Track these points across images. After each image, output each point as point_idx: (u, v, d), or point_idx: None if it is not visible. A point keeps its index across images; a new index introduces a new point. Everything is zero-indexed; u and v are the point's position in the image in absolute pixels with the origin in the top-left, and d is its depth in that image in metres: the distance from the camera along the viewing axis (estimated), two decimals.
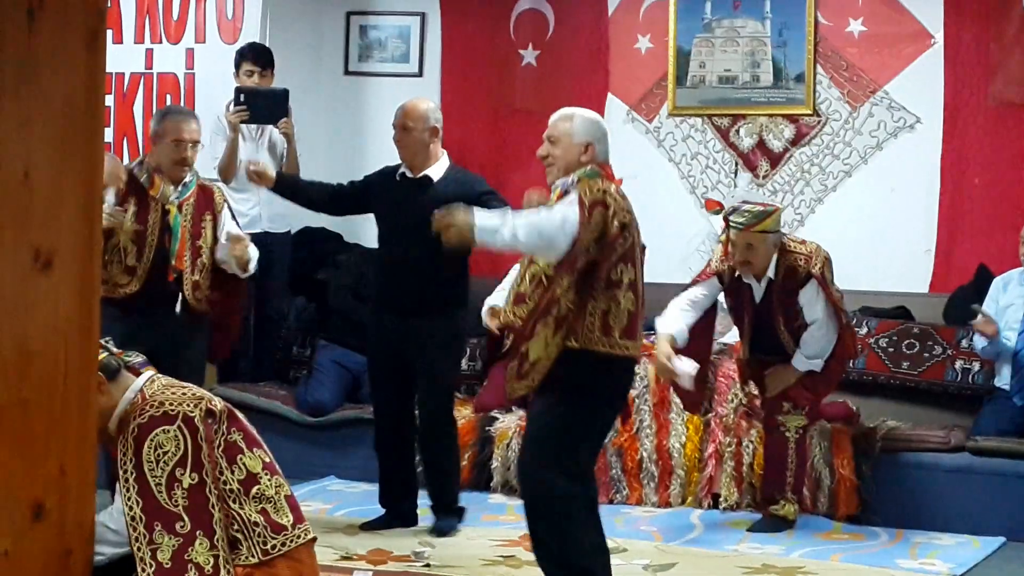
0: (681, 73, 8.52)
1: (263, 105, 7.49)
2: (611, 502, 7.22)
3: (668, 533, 6.71)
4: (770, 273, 6.82)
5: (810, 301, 6.79)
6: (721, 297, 7.09)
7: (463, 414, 7.58)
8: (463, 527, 6.69)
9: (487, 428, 7.51)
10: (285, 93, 7.53)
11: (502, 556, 6.21)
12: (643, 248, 5.34)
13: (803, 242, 6.93)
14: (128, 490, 3.88)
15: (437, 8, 8.99)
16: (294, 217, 8.35)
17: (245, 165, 7.16)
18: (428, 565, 6.02)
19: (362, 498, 7.22)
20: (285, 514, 3.99)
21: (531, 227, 5.04)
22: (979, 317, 7.13)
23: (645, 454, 7.25)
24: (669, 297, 8.07)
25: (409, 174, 6.69)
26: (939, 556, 6.42)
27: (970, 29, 8.02)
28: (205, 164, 7.91)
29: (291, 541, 3.98)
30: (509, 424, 7.48)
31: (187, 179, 6.40)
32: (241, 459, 3.93)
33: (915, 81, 8.14)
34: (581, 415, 5.12)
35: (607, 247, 5.06)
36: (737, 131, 8.48)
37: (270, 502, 3.95)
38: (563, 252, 5.02)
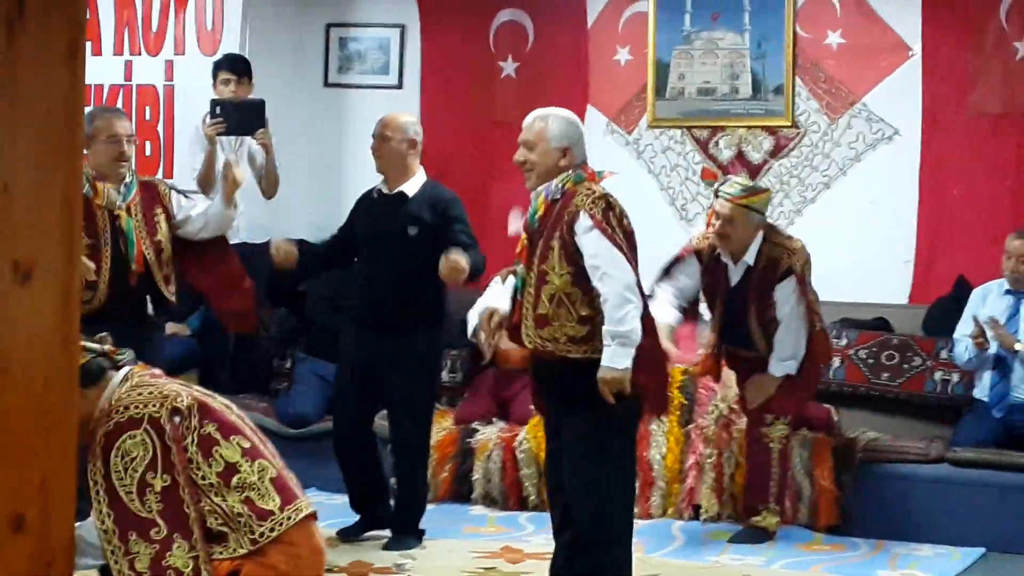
0: (660, 85, 8.54)
1: (239, 117, 7.48)
2: None
3: (649, 544, 6.71)
4: (749, 259, 6.82)
5: (785, 297, 6.77)
6: (704, 307, 7.13)
7: (444, 426, 7.58)
8: (444, 539, 6.67)
9: (467, 440, 7.51)
10: (261, 104, 7.52)
11: (483, 568, 6.21)
12: None
13: (790, 237, 6.96)
14: (99, 503, 3.83)
15: (417, 20, 9.00)
16: (273, 228, 8.34)
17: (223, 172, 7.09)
18: None
19: (343, 510, 7.17)
20: (271, 498, 3.91)
21: (621, 301, 4.98)
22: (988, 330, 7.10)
23: None
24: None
25: (385, 190, 6.66)
26: (919, 567, 6.44)
27: (948, 40, 8.05)
28: (185, 176, 7.95)
29: (279, 526, 3.89)
30: (490, 436, 7.48)
31: (127, 179, 6.28)
32: (217, 451, 3.85)
33: (893, 93, 8.17)
34: (623, 430, 5.13)
35: (628, 247, 5.12)
36: (716, 143, 8.50)
37: (254, 489, 3.88)
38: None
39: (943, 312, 7.70)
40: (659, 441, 7.25)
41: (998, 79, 7.97)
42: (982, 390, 7.26)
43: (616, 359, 4.96)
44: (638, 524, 7.03)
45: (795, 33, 8.28)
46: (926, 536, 6.88)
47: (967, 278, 7.73)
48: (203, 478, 3.83)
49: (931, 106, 8.09)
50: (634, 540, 6.64)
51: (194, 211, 6.43)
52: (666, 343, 6.59)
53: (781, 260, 6.77)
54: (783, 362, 6.82)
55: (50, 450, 3.54)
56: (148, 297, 6.30)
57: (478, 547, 6.58)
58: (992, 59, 7.97)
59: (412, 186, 6.61)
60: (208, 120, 7.47)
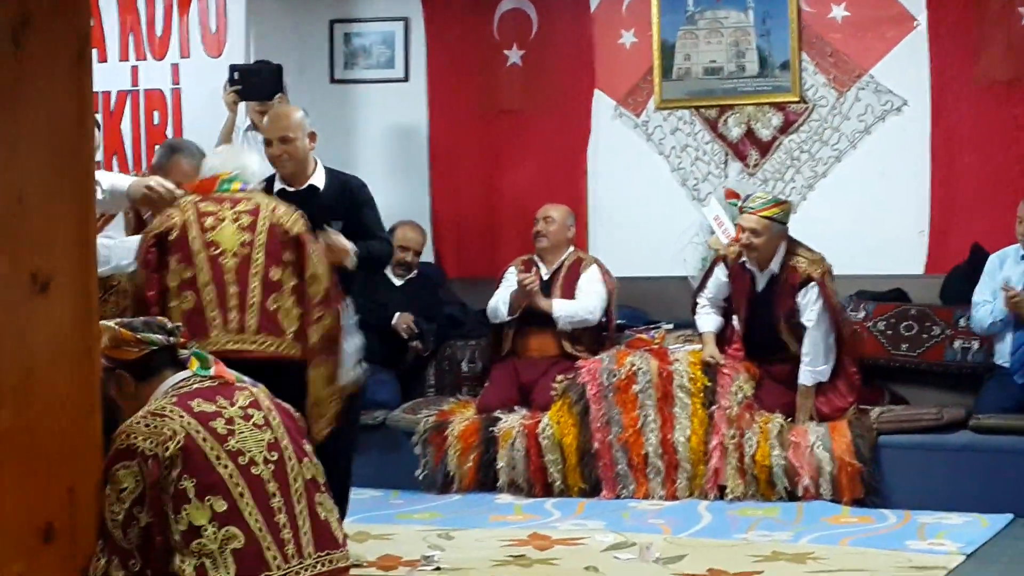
0: (667, 66, 8.52)
1: (257, 82, 7.51)
2: (618, 497, 7.24)
3: (676, 525, 6.70)
4: (775, 267, 7.28)
5: (808, 303, 7.20)
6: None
7: (466, 415, 7.59)
8: (471, 529, 6.67)
9: (490, 429, 7.50)
10: (279, 69, 7.54)
11: (512, 556, 6.20)
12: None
13: (810, 250, 7.33)
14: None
15: (420, 12, 8.99)
16: None
17: None
18: (439, 568, 6.01)
19: (371, 504, 7.19)
20: (225, 570, 3.76)
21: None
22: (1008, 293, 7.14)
23: (651, 449, 7.25)
24: (667, 291, 8.26)
25: (290, 188, 6.22)
26: (948, 536, 6.42)
27: (953, 9, 8.02)
28: None
29: None
30: (512, 424, 7.48)
31: None
32: (186, 509, 3.72)
33: (900, 64, 8.15)
34: None
35: (148, 263, 5.38)
36: (725, 121, 8.48)
37: (210, 557, 3.72)
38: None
39: (960, 281, 7.69)
40: (683, 424, 7.25)
41: (1004, 46, 7.93)
42: (1003, 356, 7.25)
43: None
44: (664, 505, 7.08)
45: (799, 8, 8.26)
46: (953, 505, 6.86)
47: (982, 245, 7.70)
48: (172, 533, 3.74)
49: (939, 75, 8.07)
50: (659, 522, 6.72)
51: None
52: (710, 348, 7.36)
53: (799, 268, 7.22)
54: (814, 370, 7.21)
55: (76, 459, 3.57)
56: None
57: (506, 535, 6.57)
58: (998, 26, 7.94)
59: (319, 178, 6.25)
60: (227, 87, 7.49)
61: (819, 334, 7.19)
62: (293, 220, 5.53)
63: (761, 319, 7.37)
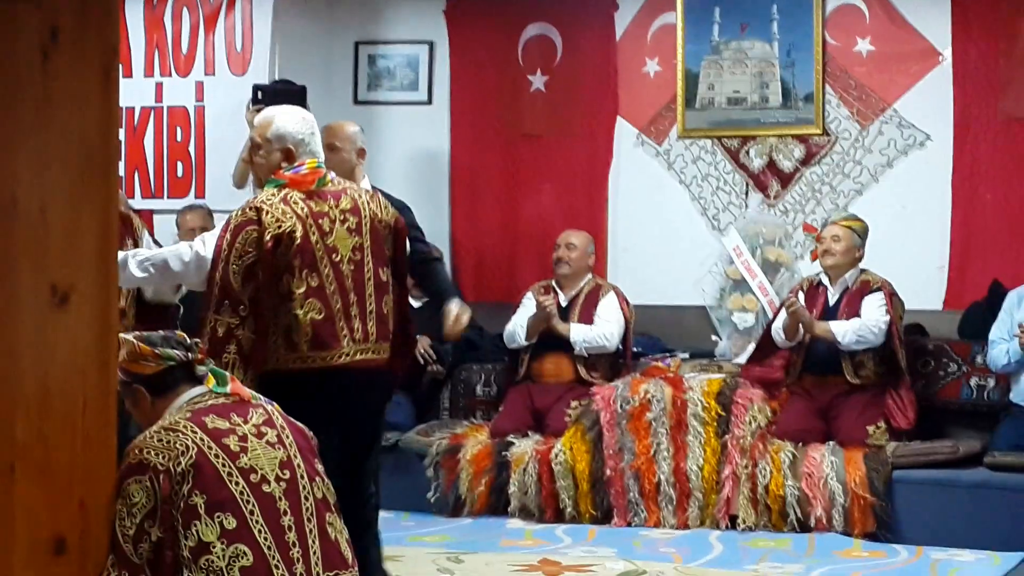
0: (690, 95, 8.53)
1: (280, 102, 7.51)
2: (629, 525, 7.24)
3: (687, 554, 6.70)
4: (849, 280, 7.46)
5: (873, 304, 7.34)
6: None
7: (479, 439, 7.59)
8: (482, 553, 6.67)
9: (503, 453, 7.51)
10: (302, 89, 7.57)
11: None
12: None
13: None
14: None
15: (445, 36, 9.02)
16: None
17: None
18: None
19: (381, 526, 7.13)
20: None
21: (155, 261, 5.03)
22: None
23: (663, 477, 7.25)
24: (684, 319, 8.27)
25: None
26: (960, 573, 6.41)
27: (978, 45, 8.03)
28: (217, 196, 7.98)
29: None
30: (525, 449, 7.48)
31: None
32: (196, 525, 3.68)
33: (924, 98, 8.16)
34: None
35: (268, 264, 4.94)
36: (747, 152, 8.49)
37: (218, 574, 3.67)
38: (199, 285, 4.98)
39: (978, 317, 7.68)
40: (696, 452, 7.25)
41: None
42: (1019, 394, 7.24)
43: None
44: (675, 534, 7.07)
45: (824, 41, 8.27)
46: (966, 541, 6.84)
47: (1001, 282, 7.69)
48: (181, 548, 3.72)
49: (962, 111, 8.07)
50: (670, 550, 6.71)
51: None
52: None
53: (871, 279, 7.45)
54: (846, 330, 7.30)
55: (89, 473, 3.57)
56: None
57: (516, 560, 6.57)
58: (1022, 62, 7.94)
59: None
60: (250, 106, 7.52)
61: (870, 322, 7.30)
62: (385, 207, 5.32)
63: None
